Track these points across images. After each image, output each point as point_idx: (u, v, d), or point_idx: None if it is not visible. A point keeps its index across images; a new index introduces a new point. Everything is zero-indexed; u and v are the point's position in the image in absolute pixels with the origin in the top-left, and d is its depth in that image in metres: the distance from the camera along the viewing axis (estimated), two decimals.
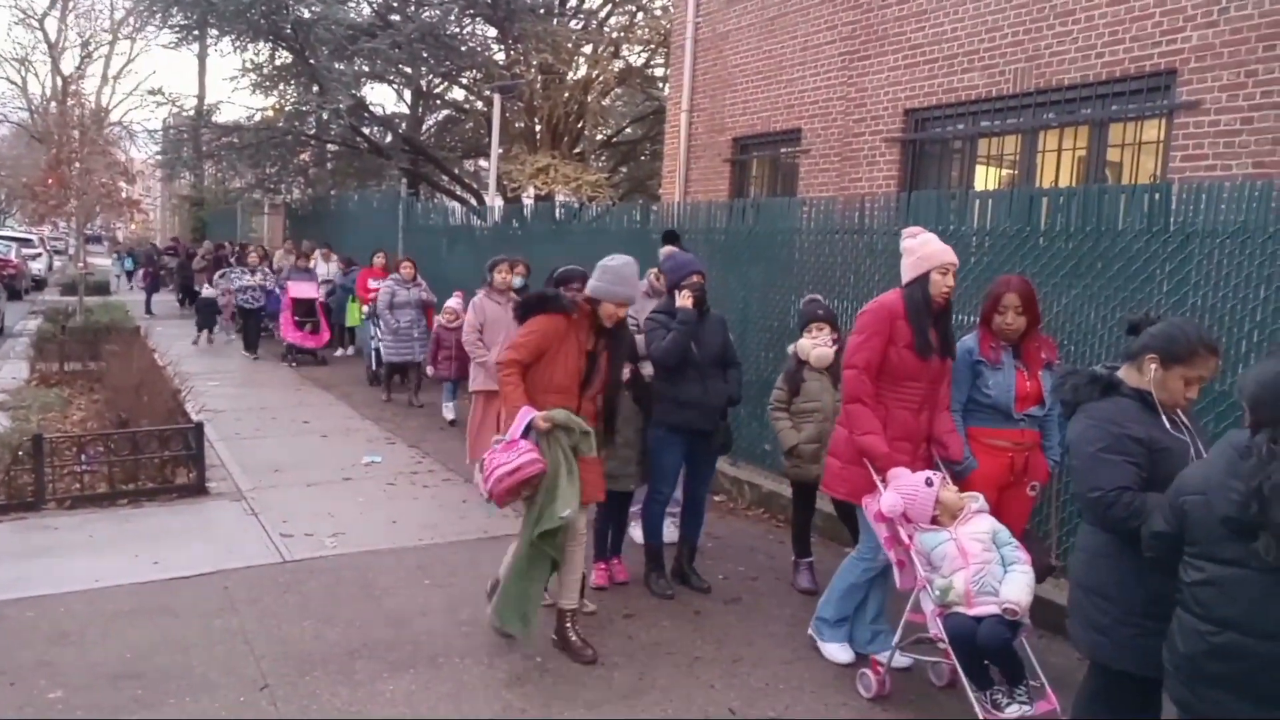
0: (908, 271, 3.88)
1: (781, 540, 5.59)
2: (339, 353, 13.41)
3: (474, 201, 19.28)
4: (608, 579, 4.92)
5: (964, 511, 3.63)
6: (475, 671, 3.93)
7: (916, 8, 8.53)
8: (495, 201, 13.91)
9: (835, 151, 9.56)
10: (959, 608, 3.44)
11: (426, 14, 18.24)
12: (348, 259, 13.58)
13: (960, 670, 3.40)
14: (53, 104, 22.81)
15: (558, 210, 10.93)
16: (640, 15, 20.10)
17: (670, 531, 5.16)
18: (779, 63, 10.50)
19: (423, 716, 3.57)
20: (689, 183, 11.94)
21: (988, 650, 3.36)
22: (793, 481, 5.08)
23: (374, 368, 10.91)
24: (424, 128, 22.30)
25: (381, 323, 9.98)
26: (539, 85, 18.47)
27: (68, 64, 33.45)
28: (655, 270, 5.74)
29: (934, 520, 3.64)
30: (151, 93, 22.18)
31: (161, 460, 6.38)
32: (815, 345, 4.87)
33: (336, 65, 17.30)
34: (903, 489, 3.65)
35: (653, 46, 19.25)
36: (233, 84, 49.26)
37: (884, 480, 3.74)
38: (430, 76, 20.70)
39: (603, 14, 20.33)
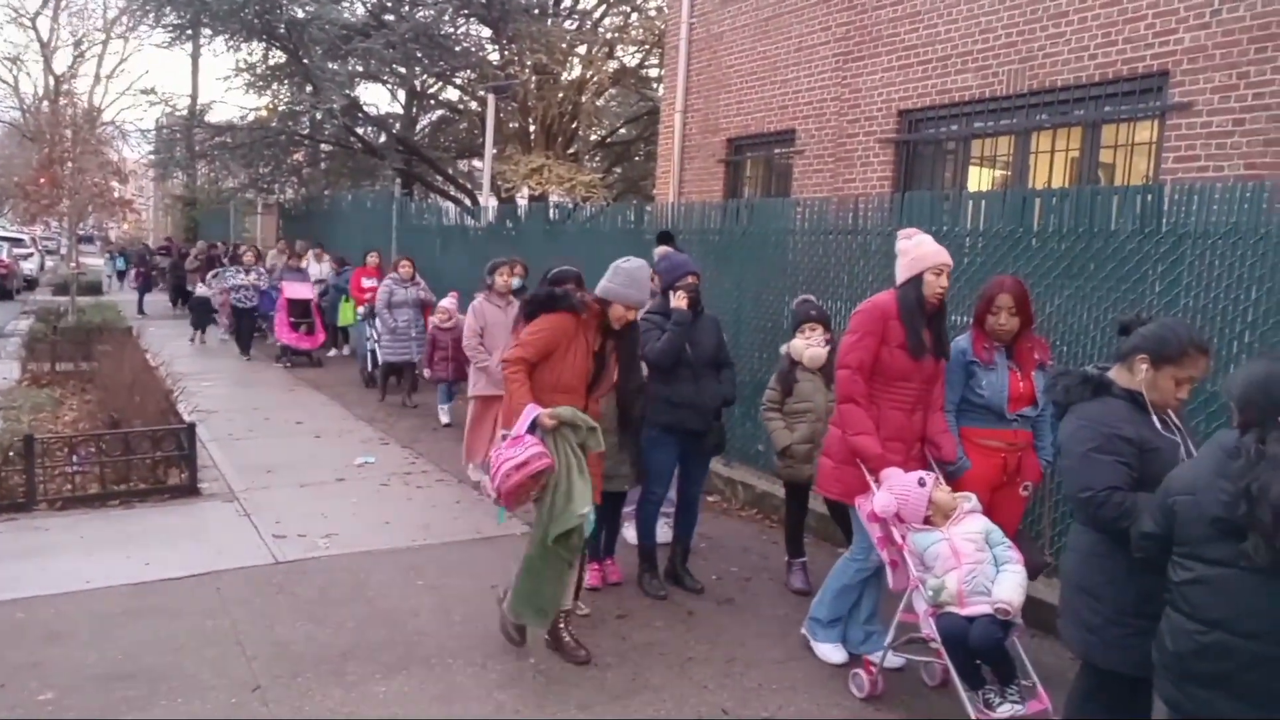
0: (902, 272, 3.88)
1: (775, 540, 5.59)
2: (331, 353, 13.36)
3: (468, 202, 19.25)
4: (601, 580, 4.91)
5: (957, 512, 3.64)
6: (468, 672, 3.92)
7: (910, 9, 8.54)
8: (489, 202, 13.90)
9: (829, 152, 9.57)
10: (951, 608, 3.44)
11: (420, 14, 18.22)
12: (340, 259, 13.52)
13: (952, 670, 3.40)
14: (45, 103, 22.73)
15: (552, 211, 10.92)
16: (635, 16, 20.10)
17: (664, 532, 5.16)
18: (773, 63, 10.50)
19: (415, 717, 3.56)
20: (683, 183, 11.94)
21: (980, 650, 3.36)
22: (786, 482, 5.08)
23: (369, 369, 10.85)
24: (418, 128, 22.28)
25: (379, 322, 9.90)
26: (533, 85, 18.46)
27: (60, 63, 33.33)
28: (650, 271, 5.73)
29: (927, 520, 3.64)
30: (144, 92, 22.18)
31: (153, 461, 6.36)
32: (808, 346, 4.88)
33: (330, 65, 17.27)
34: (896, 489, 3.65)
35: (647, 47, 19.26)
36: (226, 84, 49.31)
37: (877, 480, 3.75)
38: (424, 76, 20.68)
39: (597, 14, 20.34)
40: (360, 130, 20.38)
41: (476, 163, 21.64)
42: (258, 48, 19.48)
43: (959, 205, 5.64)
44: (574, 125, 20.05)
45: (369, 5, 18.93)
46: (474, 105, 20.49)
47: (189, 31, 20.44)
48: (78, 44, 33.74)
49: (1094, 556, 2.79)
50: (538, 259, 7.75)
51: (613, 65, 19.48)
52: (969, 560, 3.49)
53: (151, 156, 23.44)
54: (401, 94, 21.93)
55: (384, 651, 4.07)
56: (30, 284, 26.02)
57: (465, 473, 6.94)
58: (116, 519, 5.74)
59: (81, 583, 4.66)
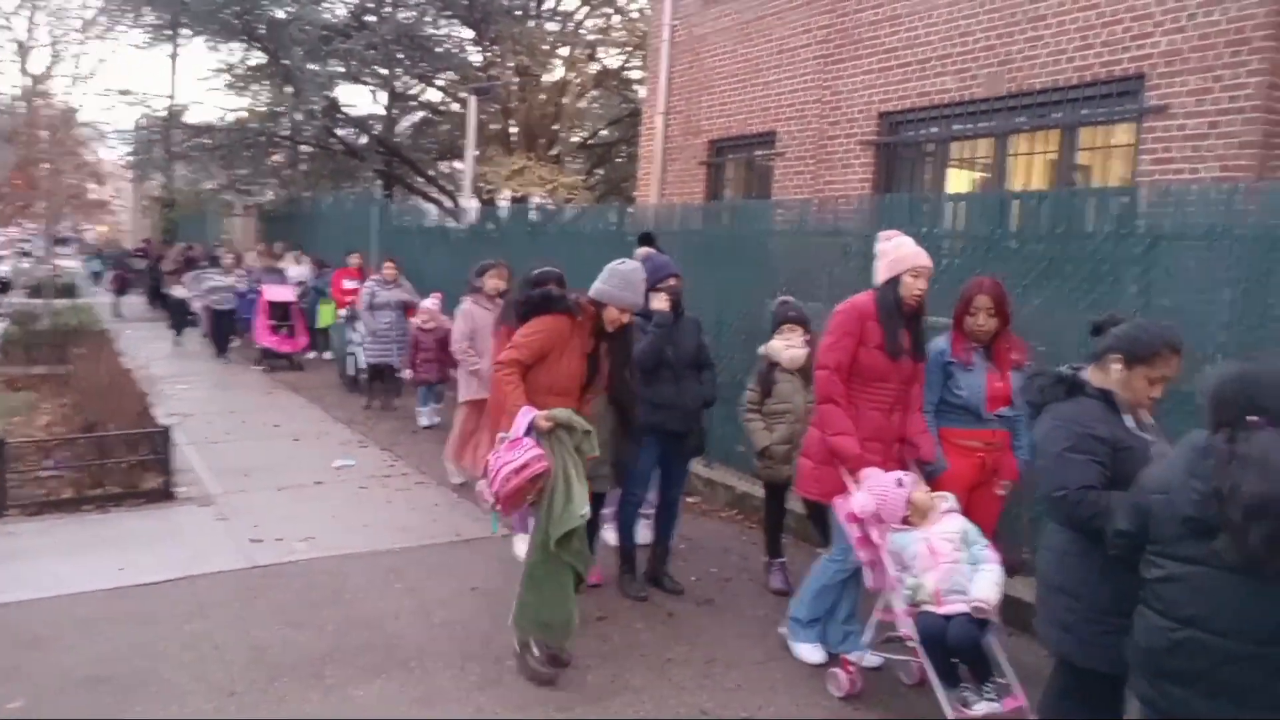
0: (881, 273, 3.90)
1: (754, 541, 5.59)
2: (310, 355, 13.20)
3: (449, 204, 19.20)
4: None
5: (934, 512, 3.65)
6: (448, 675, 3.90)
7: (890, 12, 8.58)
8: (471, 204, 13.87)
9: (810, 154, 9.60)
10: (929, 607, 3.46)
11: (402, 15, 18.17)
12: (319, 260, 13.42)
13: (929, 668, 3.41)
14: (21, 104, 22.47)
15: (533, 212, 10.91)
16: (617, 18, 20.11)
17: (644, 533, 5.15)
18: (755, 66, 10.53)
19: None
20: (665, 185, 11.94)
21: (957, 648, 3.38)
22: (765, 482, 5.08)
23: (351, 372, 10.67)
24: (399, 129, 22.17)
25: (361, 324, 9.82)
26: (515, 87, 18.44)
27: (36, 64, 33.00)
28: (644, 274, 5.72)
29: (905, 521, 3.66)
30: (122, 92, 21.90)
31: (129, 465, 6.29)
32: (787, 347, 4.89)
33: (310, 66, 17.17)
34: (874, 489, 3.66)
35: (629, 49, 19.27)
36: (205, 84, 48.79)
37: (856, 481, 3.75)
38: (405, 78, 20.60)
39: (579, 16, 20.32)
40: (341, 131, 20.30)
41: (458, 164, 21.57)
42: (237, 48, 19.38)
43: (938, 207, 5.66)
44: (556, 127, 20.03)
45: (350, 6, 18.85)
46: (455, 107, 20.44)
47: (168, 32, 20.28)
48: (54, 44, 33.44)
49: (1069, 555, 2.80)
50: (519, 261, 7.71)
51: (595, 67, 19.49)
52: (946, 560, 3.50)
53: (129, 158, 23.23)
54: (382, 95, 21.81)
55: (363, 655, 4.04)
56: (4, 286, 25.71)
57: (446, 476, 6.89)
58: (91, 524, 5.67)
59: (56, 588, 4.60)
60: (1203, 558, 2.30)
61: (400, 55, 18.19)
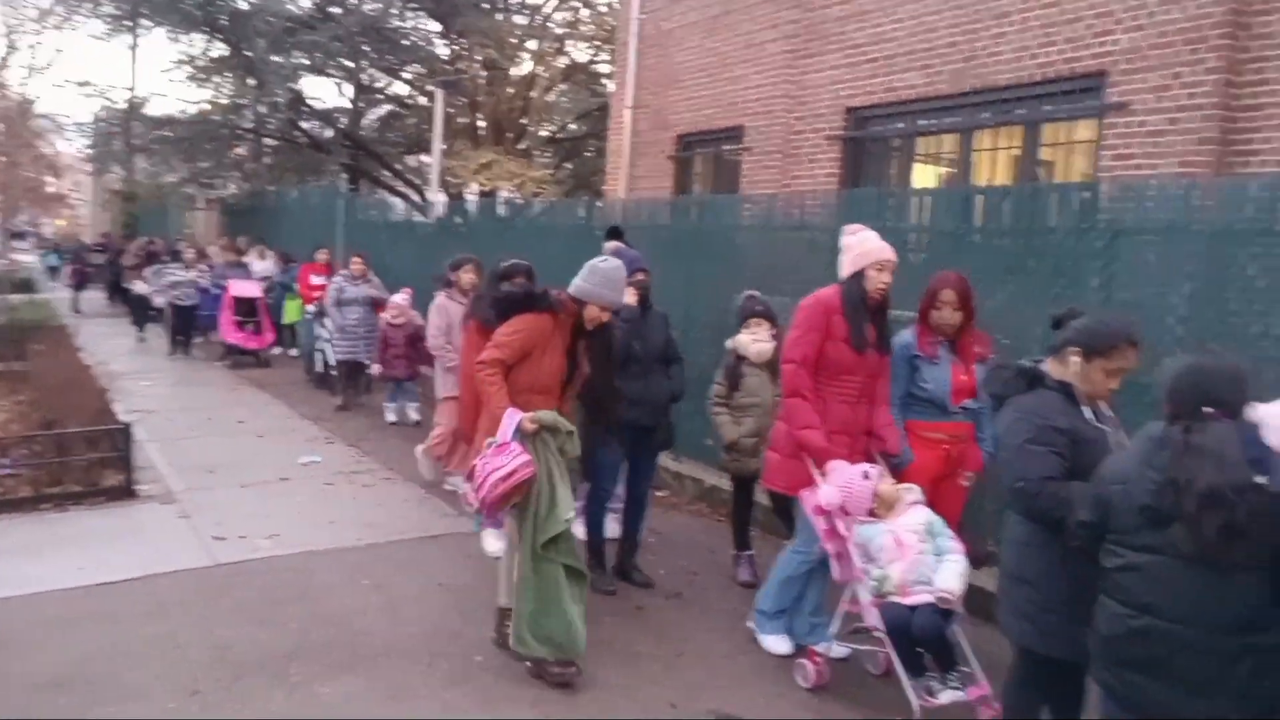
0: (845, 267, 3.93)
1: (723, 534, 5.61)
2: (276, 351, 13.00)
3: (416, 198, 19.04)
4: None
5: (900, 503, 3.69)
6: (415, 672, 3.87)
7: (857, 8, 8.63)
8: (438, 198, 13.77)
9: (778, 149, 9.63)
10: (895, 597, 3.49)
11: (367, 7, 17.96)
12: (285, 255, 13.21)
13: (895, 658, 3.45)
14: None
15: (501, 207, 10.85)
16: (585, 11, 20.04)
17: (612, 527, 5.15)
18: (723, 60, 10.54)
19: (361, 718, 3.51)
20: (633, 179, 11.93)
21: (922, 638, 3.42)
22: (732, 475, 5.11)
23: (320, 369, 10.46)
24: (365, 122, 21.96)
25: (329, 320, 9.66)
26: (482, 81, 18.32)
27: None
28: (625, 271, 5.71)
29: (871, 513, 3.69)
30: (80, 84, 21.46)
31: (88, 463, 6.18)
32: (754, 341, 4.90)
33: (274, 58, 16.93)
34: (841, 482, 3.69)
35: (597, 43, 19.23)
36: (166, 76, 48.00)
37: (823, 474, 3.78)
38: (371, 71, 20.38)
39: (547, 9, 20.22)
40: (305, 124, 20.06)
41: (425, 158, 21.40)
42: (199, 39, 19.05)
43: (904, 202, 5.71)
44: (524, 121, 19.95)
45: None
46: (422, 100, 20.27)
47: (127, 22, 19.91)
48: (10, 34, 32.70)
49: (1030, 546, 2.85)
50: (487, 255, 7.66)
51: (563, 61, 19.43)
52: (912, 551, 3.54)
53: (88, 150, 22.80)
54: (348, 88, 21.59)
55: (329, 652, 4.01)
56: None
57: (416, 472, 6.83)
58: (50, 523, 5.57)
59: (12, 589, 4.51)
60: (1159, 547, 2.35)
61: (366, 48, 17.99)
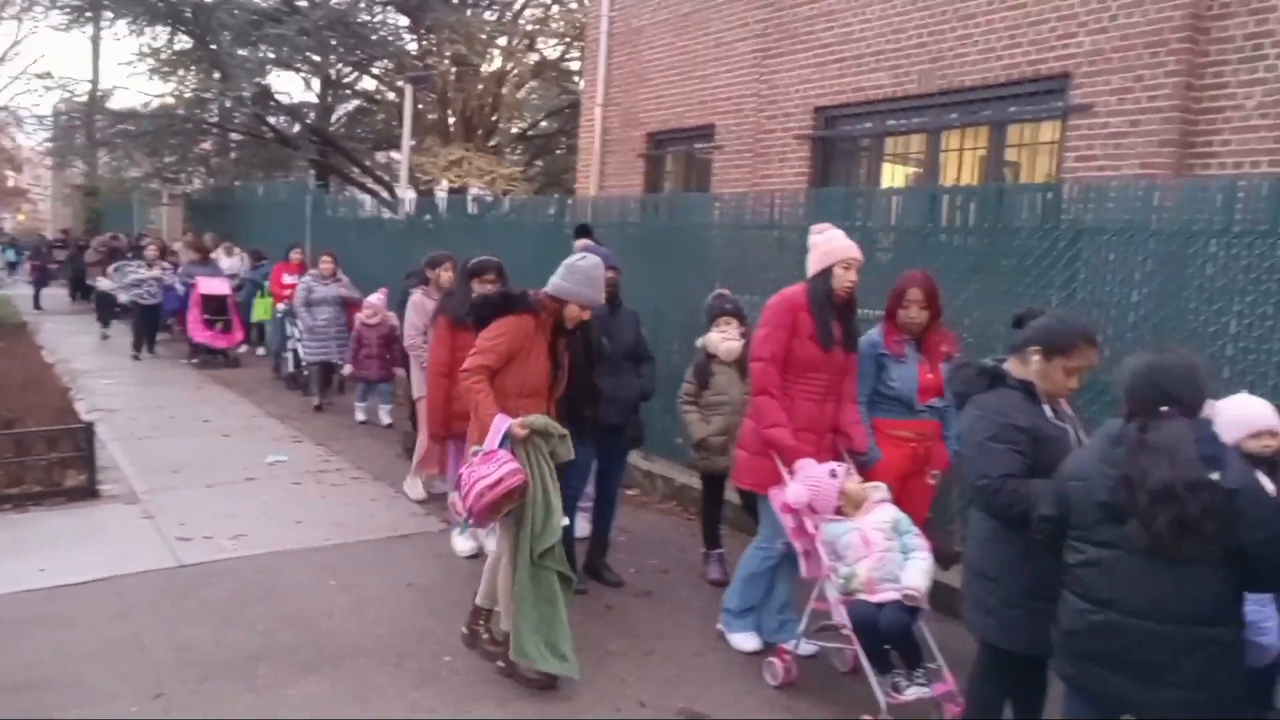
0: (812, 265, 3.96)
1: (693, 533, 5.63)
2: (243, 349, 12.81)
3: (385, 194, 18.89)
4: None
5: (867, 502, 3.72)
6: (383, 672, 3.86)
7: (826, 8, 8.68)
8: (407, 194, 13.68)
9: (748, 148, 9.67)
10: (862, 595, 3.52)
11: (335, 1, 17.77)
12: (256, 252, 12.99)
13: (862, 655, 3.48)
14: None
15: (471, 204, 10.80)
16: (555, 8, 19.99)
17: (582, 526, 5.15)
18: (693, 59, 10.57)
19: (328, 719, 3.49)
20: (604, 177, 11.93)
21: (889, 635, 3.45)
22: (701, 474, 5.12)
23: (290, 369, 10.30)
24: (333, 118, 21.73)
25: (299, 321, 9.50)
26: (452, 77, 18.21)
27: None
28: (604, 268, 5.70)
29: (838, 511, 3.72)
30: (40, 76, 21.03)
31: (49, 463, 6.08)
32: (724, 339, 4.92)
33: (240, 51, 16.70)
34: (808, 481, 3.72)
35: (568, 40, 19.17)
36: (129, 69, 47.16)
37: (791, 472, 3.81)
38: (340, 65, 20.18)
39: (517, 6, 20.13)
40: (272, 119, 19.80)
41: (394, 154, 21.23)
42: (162, 32, 18.72)
43: (871, 201, 5.76)
44: (494, 118, 19.85)
45: None
46: (391, 96, 20.10)
47: (88, 14, 19.56)
48: None
49: (992, 542, 2.89)
50: (458, 253, 7.62)
51: (533, 58, 19.36)
52: (878, 549, 3.57)
53: (49, 144, 22.38)
54: (316, 83, 21.35)
55: (295, 653, 3.97)
56: None
57: (383, 471, 6.79)
58: (10, 524, 5.46)
59: None
60: (1117, 542, 2.40)
61: (334, 42, 17.78)
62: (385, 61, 19.26)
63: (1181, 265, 4.17)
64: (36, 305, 18.02)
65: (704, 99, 10.42)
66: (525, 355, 3.84)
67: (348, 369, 8.67)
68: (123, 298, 13.07)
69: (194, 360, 11.86)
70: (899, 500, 3.86)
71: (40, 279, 18.99)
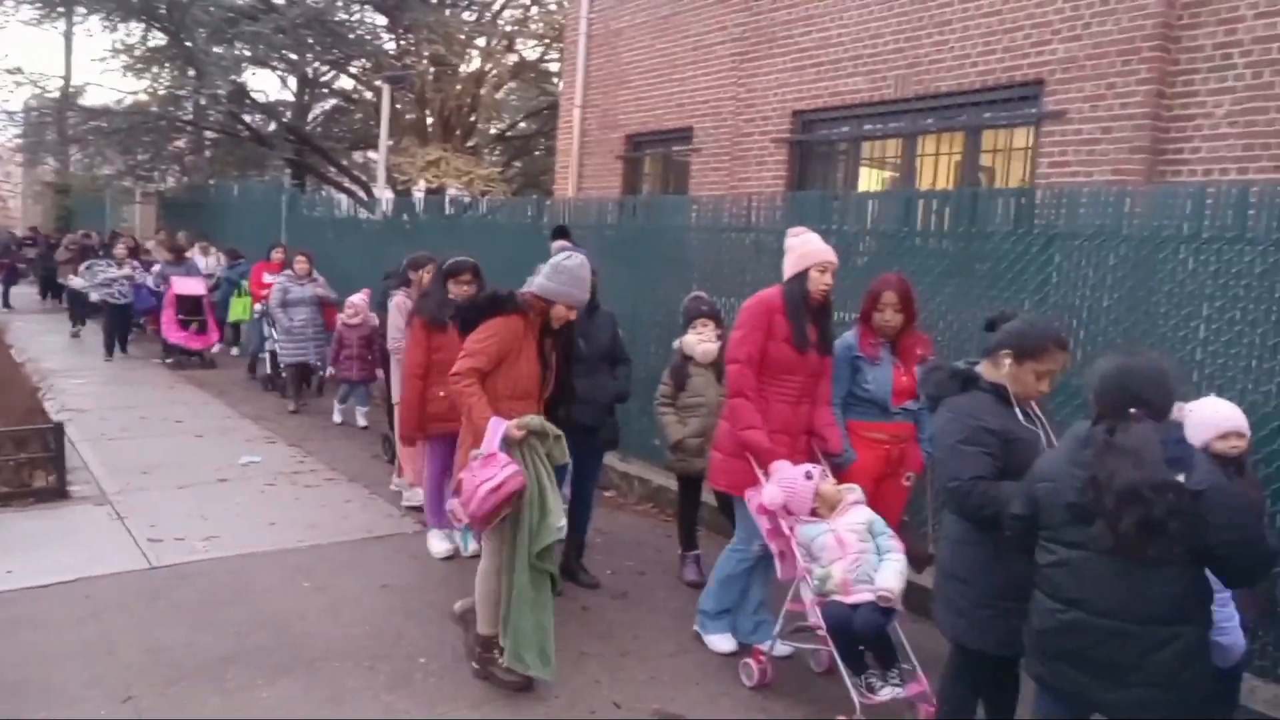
0: (788, 268, 3.98)
1: (669, 534, 5.64)
2: (216, 348, 12.63)
3: (362, 194, 18.78)
4: None
5: (842, 503, 3.74)
6: (356, 674, 3.83)
7: (804, 12, 8.73)
8: (385, 194, 13.60)
9: (726, 151, 9.70)
10: (837, 596, 3.54)
11: None
12: (233, 251, 12.84)
13: (837, 656, 3.50)
14: None
15: (448, 204, 10.76)
16: (534, 9, 19.98)
17: None
18: (671, 61, 10.59)
19: None
20: (582, 179, 11.93)
21: (863, 636, 3.47)
22: (678, 475, 5.13)
23: (269, 371, 10.12)
24: (310, 117, 21.58)
25: (275, 322, 9.37)
26: (430, 77, 18.14)
27: None
28: (546, 266, 5.70)
29: (814, 512, 3.74)
30: (11, 72, 20.69)
31: (18, 463, 5.99)
32: (700, 341, 4.93)
33: (215, 49, 16.55)
34: (783, 482, 3.73)
35: (547, 41, 19.16)
36: (102, 65, 46.55)
37: (766, 474, 3.82)
38: (316, 64, 20.05)
39: (496, 6, 20.10)
40: (248, 118, 19.64)
41: (371, 154, 21.13)
42: (136, 28, 18.52)
43: (847, 205, 5.80)
44: (473, 118, 19.79)
45: None
46: (369, 95, 19.99)
47: (60, 9, 19.30)
48: None
49: (963, 544, 2.92)
50: (435, 254, 7.61)
51: (512, 58, 19.33)
52: (853, 550, 3.59)
53: (19, 140, 22.05)
54: (292, 81, 21.21)
55: (268, 656, 3.94)
56: None
57: (360, 472, 6.74)
58: None
59: None
60: (1084, 542, 2.43)
61: (310, 40, 17.66)
62: (363, 61, 19.15)
63: (1152, 270, 4.23)
64: (5, 304, 17.77)
65: (682, 102, 10.44)
66: (515, 357, 3.80)
67: (329, 371, 8.58)
68: (93, 297, 12.85)
69: (168, 360, 11.69)
70: (874, 502, 3.88)
71: (9, 277, 18.70)
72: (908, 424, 4.20)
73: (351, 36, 18.29)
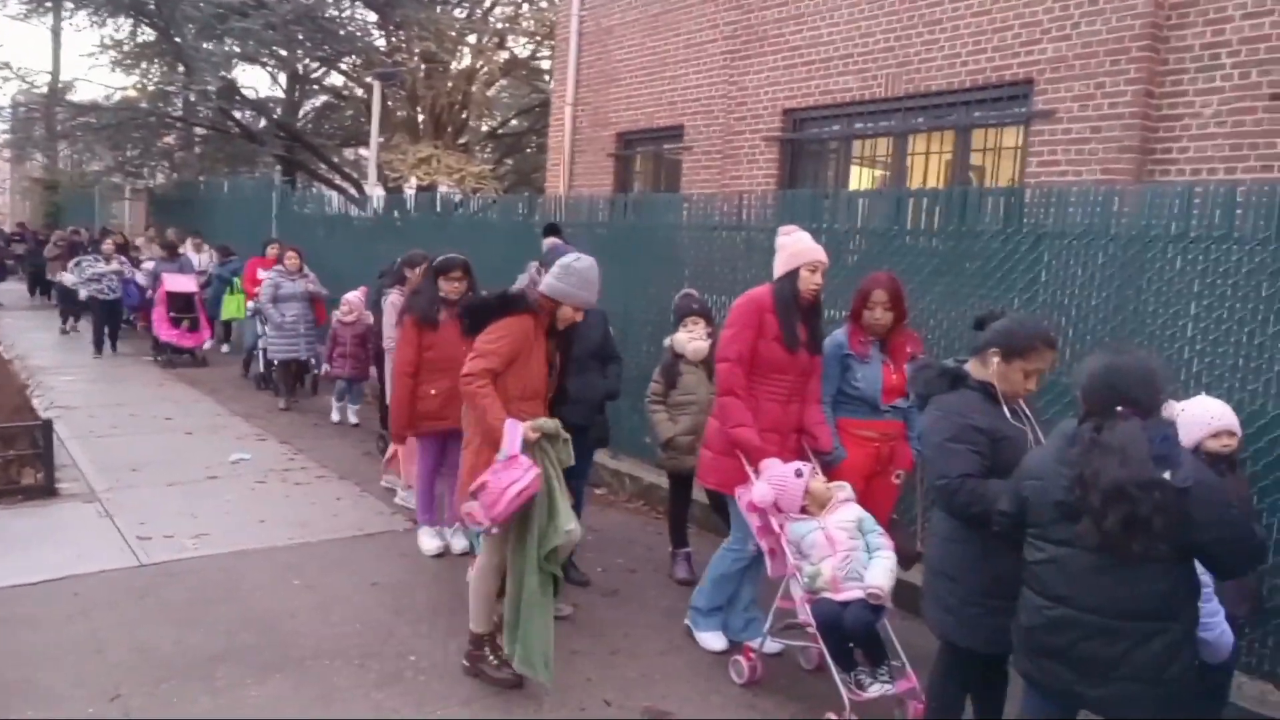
0: (779, 267, 3.99)
1: (660, 532, 5.64)
2: (207, 345, 12.55)
3: (353, 191, 18.72)
4: None
5: (832, 501, 3.75)
6: (346, 673, 3.82)
7: (795, 11, 8.73)
8: (376, 192, 13.57)
9: (717, 149, 9.70)
10: (826, 593, 3.55)
11: None
12: (224, 247, 12.77)
13: (827, 653, 3.51)
14: None
15: (439, 202, 10.73)
16: (526, 6, 19.94)
17: None
18: (663, 59, 10.59)
19: None
20: (574, 176, 11.92)
21: (853, 633, 3.49)
22: (669, 473, 5.14)
23: (261, 369, 10.01)
24: (301, 113, 21.48)
25: (266, 318, 9.29)
26: (421, 74, 18.08)
27: None
28: (537, 263, 5.69)
29: (803, 510, 3.75)
30: None
31: (5, 461, 5.96)
32: (691, 339, 4.94)
33: (205, 45, 16.46)
34: (773, 480, 3.74)
35: (538, 38, 19.12)
36: (91, 61, 46.23)
37: (756, 471, 3.83)
38: (307, 60, 19.96)
39: (487, 3, 20.04)
40: (238, 114, 19.54)
41: (363, 151, 21.06)
42: (125, 24, 18.43)
43: (838, 203, 5.81)
44: (464, 115, 19.74)
45: None
46: (360, 92, 19.92)
47: (48, 4, 19.19)
48: None
49: (952, 542, 2.93)
50: (426, 251, 7.60)
51: (503, 56, 19.28)
52: (843, 548, 3.60)
53: (7, 136, 21.92)
54: (283, 78, 21.10)
55: (257, 654, 3.93)
56: None
57: (350, 469, 6.73)
58: None
59: None
60: (1071, 539, 2.45)
61: (301, 36, 17.57)
62: (353, 57, 19.08)
63: (1140, 270, 4.25)
64: None
65: (674, 100, 10.44)
66: (526, 357, 3.77)
67: (324, 369, 8.54)
68: (82, 294, 12.79)
69: (159, 359, 11.61)
70: (863, 500, 3.90)
71: None
72: (897, 422, 4.22)
73: (342, 33, 18.22)
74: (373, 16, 18.90)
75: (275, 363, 9.36)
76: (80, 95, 20.55)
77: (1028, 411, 2.99)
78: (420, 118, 19.17)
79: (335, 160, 21.09)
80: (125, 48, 18.77)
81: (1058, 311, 4.52)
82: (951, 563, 2.93)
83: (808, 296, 3.94)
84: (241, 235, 13.20)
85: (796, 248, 3.94)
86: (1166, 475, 2.31)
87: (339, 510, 5.98)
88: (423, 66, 18.01)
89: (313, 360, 9.26)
